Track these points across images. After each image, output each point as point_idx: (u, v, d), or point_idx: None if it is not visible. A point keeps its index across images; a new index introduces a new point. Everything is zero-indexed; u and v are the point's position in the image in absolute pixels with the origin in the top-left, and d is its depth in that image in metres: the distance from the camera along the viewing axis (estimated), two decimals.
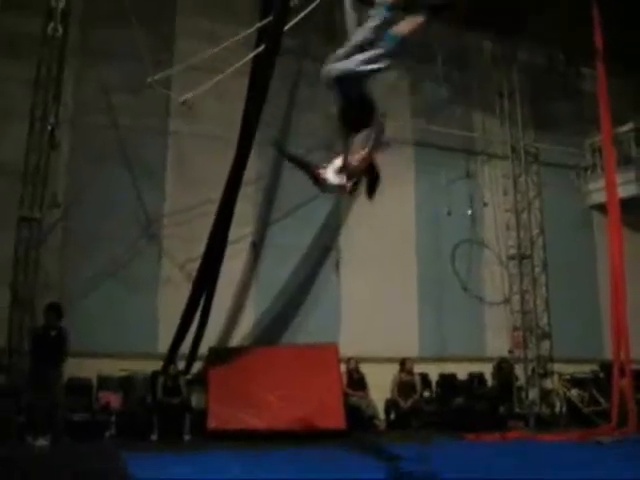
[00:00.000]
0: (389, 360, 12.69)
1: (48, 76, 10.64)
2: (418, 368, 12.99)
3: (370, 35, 5.24)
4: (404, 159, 14.28)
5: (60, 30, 7.88)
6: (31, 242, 10.73)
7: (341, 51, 5.25)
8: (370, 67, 5.26)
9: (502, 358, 13.91)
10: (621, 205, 12.66)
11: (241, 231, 12.26)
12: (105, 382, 11.55)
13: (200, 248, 11.29)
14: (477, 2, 14.96)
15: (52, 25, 7.74)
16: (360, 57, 5.21)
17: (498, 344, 14.18)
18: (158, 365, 11.52)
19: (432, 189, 14.48)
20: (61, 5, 7.46)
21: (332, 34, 14.13)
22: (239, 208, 11.20)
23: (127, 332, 11.55)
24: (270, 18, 9.38)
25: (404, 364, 12.69)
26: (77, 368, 10.94)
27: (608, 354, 12.95)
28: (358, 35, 5.30)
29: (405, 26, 5.31)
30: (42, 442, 9.18)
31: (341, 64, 5.25)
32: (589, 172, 16.28)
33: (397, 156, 13.94)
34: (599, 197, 15.05)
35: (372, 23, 5.25)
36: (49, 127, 9.74)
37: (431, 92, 14.73)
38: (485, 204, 14.95)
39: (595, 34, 12.31)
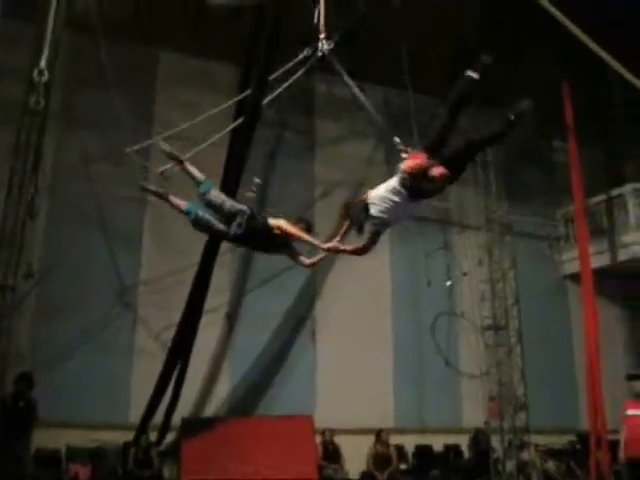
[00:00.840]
0: (365, 431, 12.57)
1: (27, 143, 10.68)
2: (394, 439, 12.85)
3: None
4: None
5: (42, 103, 7.94)
6: (4, 310, 10.59)
7: None
8: None
9: (478, 429, 13.81)
10: (594, 275, 12.86)
11: (217, 300, 12.18)
12: (74, 453, 11.28)
13: (175, 316, 11.21)
14: (449, 75, 15.42)
15: (34, 98, 7.79)
16: None
17: (474, 415, 14.07)
18: (130, 436, 11.29)
19: (408, 260, 14.53)
20: (44, 79, 7.53)
21: (310, 105, 14.61)
22: (215, 277, 11.19)
23: (99, 401, 11.36)
24: (249, 91, 9.54)
25: (380, 435, 12.55)
26: (46, 438, 10.73)
27: (585, 424, 12.95)
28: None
29: None
30: None
31: None
32: (562, 242, 16.52)
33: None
34: (572, 267, 15.26)
35: None
36: (29, 196, 9.72)
37: None
38: (464, 274, 15.00)
39: (566, 110, 12.68)
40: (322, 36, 8.14)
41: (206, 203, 6.40)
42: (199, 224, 6.46)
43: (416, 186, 5.65)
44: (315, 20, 8.06)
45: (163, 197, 6.78)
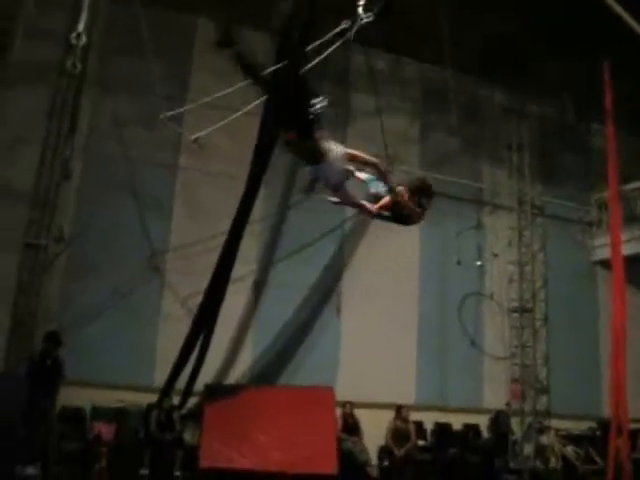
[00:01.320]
0: (385, 406, 12.63)
1: (63, 107, 10.80)
2: (414, 416, 12.87)
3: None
4: None
5: (79, 66, 7.99)
6: (35, 269, 10.79)
7: None
8: None
9: (499, 410, 13.81)
10: (625, 262, 12.68)
11: (244, 269, 12.23)
12: (99, 412, 11.46)
13: (203, 283, 11.25)
14: (490, 54, 15.26)
15: (71, 61, 7.84)
16: None
17: (496, 396, 14.09)
18: (153, 398, 11.43)
19: (439, 238, 14.45)
20: (81, 43, 7.57)
21: (345, 77, 14.51)
22: (243, 246, 11.19)
23: (124, 363, 11.50)
24: (285, 62, 9.47)
25: (399, 411, 12.57)
26: (72, 397, 10.92)
27: (606, 411, 12.87)
28: None
29: None
30: (31, 471, 9.11)
31: None
32: (594, 228, 16.31)
33: None
34: (604, 253, 15.05)
35: None
36: (64, 158, 9.84)
37: (441, 141, 14.86)
38: (495, 255, 14.92)
39: (606, 95, 12.43)
40: (361, 2, 8.04)
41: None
42: None
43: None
44: None
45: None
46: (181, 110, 10.07)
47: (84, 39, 7.60)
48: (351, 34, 8.70)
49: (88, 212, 11.91)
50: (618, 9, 4.74)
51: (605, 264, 14.74)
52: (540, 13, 13.06)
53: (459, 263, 13.95)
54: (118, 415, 11.47)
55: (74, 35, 7.62)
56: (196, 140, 7.67)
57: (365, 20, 8.48)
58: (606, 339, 13.13)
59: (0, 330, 10.59)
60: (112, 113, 12.30)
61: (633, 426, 11.70)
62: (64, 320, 11.26)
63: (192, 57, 13.49)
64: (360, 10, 8.06)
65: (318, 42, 9.19)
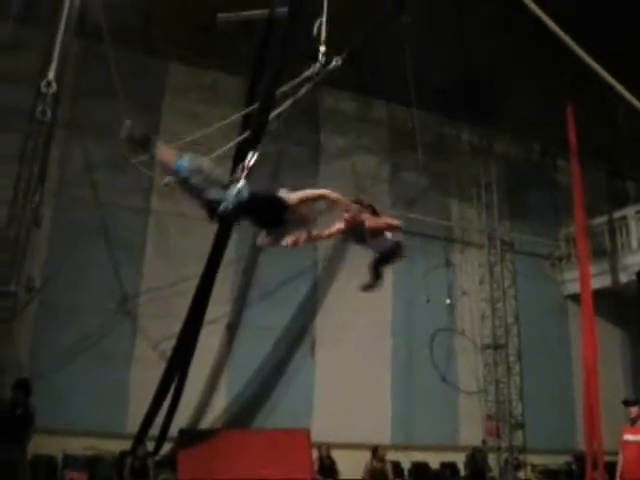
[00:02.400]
0: (361, 447, 12.55)
1: (34, 151, 10.76)
2: (390, 456, 12.82)
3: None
4: None
5: (49, 114, 7.98)
6: (5, 316, 10.62)
7: None
8: None
9: (475, 447, 13.79)
10: (595, 296, 12.85)
11: (217, 311, 12.18)
12: (71, 461, 11.25)
13: (175, 327, 11.23)
14: (455, 94, 15.57)
15: (41, 108, 7.84)
16: None
17: (471, 433, 14.08)
18: (127, 445, 11.27)
19: (410, 276, 14.46)
20: (51, 90, 7.58)
21: (315, 119, 14.68)
22: (216, 288, 11.20)
23: (96, 409, 11.31)
24: (256, 105, 9.59)
25: (376, 452, 12.51)
26: (43, 445, 10.68)
27: (582, 445, 12.92)
28: None
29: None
30: None
31: None
32: (564, 262, 16.51)
33: None
34: (573, 287, 15.22)
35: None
36: (34, 204, 9.77)
37: (410, 181, 15.01)
38: (464, 293, 15.04)
39: (569, 132, 12.74)
40: (322, 49, 8.20)
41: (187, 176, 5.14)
42: (188, 186, 5.15)
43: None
44: (315, 32, 8.09)
45: (148, 144, 5.54)
46: (151, 154, 10.07)
47: (54, 87, 7.60)
48: (319, 77, 8.84)
49: (59, 257, 11.79)
50: (580, 52, 4.92)
51: (576, 298, 14.90)
52: (505, 51, 13.37)
53: (428, 301, 13.98)
54: (90, 463, 11.27)
55: (44, 83, 7.62)
56: (167, 184, 7.63)
57: (333, 65, 8.64)
58: (579, 372, 13.24)
59: None
60: (83, 157, 12.31)
61: (609, 458, 11.71)
62: (34, 367, 11.10)
63: (163, 100, 13.56)
64: (320, 57, 8.18)
65: (289, 85, 9.32)
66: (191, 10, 12.88)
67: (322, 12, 8.06)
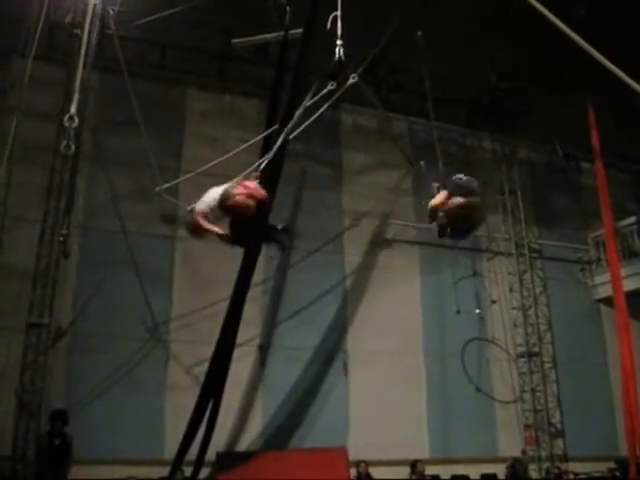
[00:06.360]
0: (400, 463, 12.45)
1: (60, 184, 10.96)
2: (430, 470, 12.70)
3: None
4: (409, 259, 14.42)
5: (72, 148, 8.13)
6: (39, 348, 10.77)
7: None
8: None
9: (515, 458, 13.61)
10: (627, 298, 12.69)
11: (248, 333, 12.19)
12: None
13: (207, 351, 11.22)
14: (476, 104, 15.56)
15: (65, 142, 7.99)
16: None
17: (510, 443, 13.91)
18: (164, 471, 11.26)
19: (438, 288, 14.43)
20: (74, 125, 7.74)
21: (336, 136, 14.74)
22: (246, 310, 11.21)
23: (133, 437, 11.37)
24: (276, 126, 9.64)
25: (415, 466, 12.42)
26: (82, 475, 10.73)
27: (624, 450, 12.71)
28: None
29: None
30: None
31: None
32: (594, 266, 16.33)
33: (402, 255, 14.17)
34: (605, 291, 15.08)
35: None
36: (61, 238, 9.95)
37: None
38: (493, 302, 14.91)
39: (592, 135, 12.64)
40: (339, 42, 8.24)
41: None
42: None
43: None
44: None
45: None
46: (176, 182, 10.20)
47: (76, 121, 7.75)
48: (338, 93, 8.90)
49: (89, 287, 11.91)
50: (597, 55, 4.90)
51: (608, 301, 14.73)
52: (523, 54, 13.35)
53: (458, 312, 13.86)
54: None
55: (66, 117, 7.77)
56: (192, 210, 7.69)
57: (350, 81, 8.68)
58: (617, 375, 13.07)
59: (6, 411, 10.49)
60: (108, 188, 12.47)
61: None
62: (70, 398, 11.20)
63: (184, 127, 13.70)
64: (337, 52, 8.23)
65: (307, 103, 9.36)
66: (206, 38, 13.10)
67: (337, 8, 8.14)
